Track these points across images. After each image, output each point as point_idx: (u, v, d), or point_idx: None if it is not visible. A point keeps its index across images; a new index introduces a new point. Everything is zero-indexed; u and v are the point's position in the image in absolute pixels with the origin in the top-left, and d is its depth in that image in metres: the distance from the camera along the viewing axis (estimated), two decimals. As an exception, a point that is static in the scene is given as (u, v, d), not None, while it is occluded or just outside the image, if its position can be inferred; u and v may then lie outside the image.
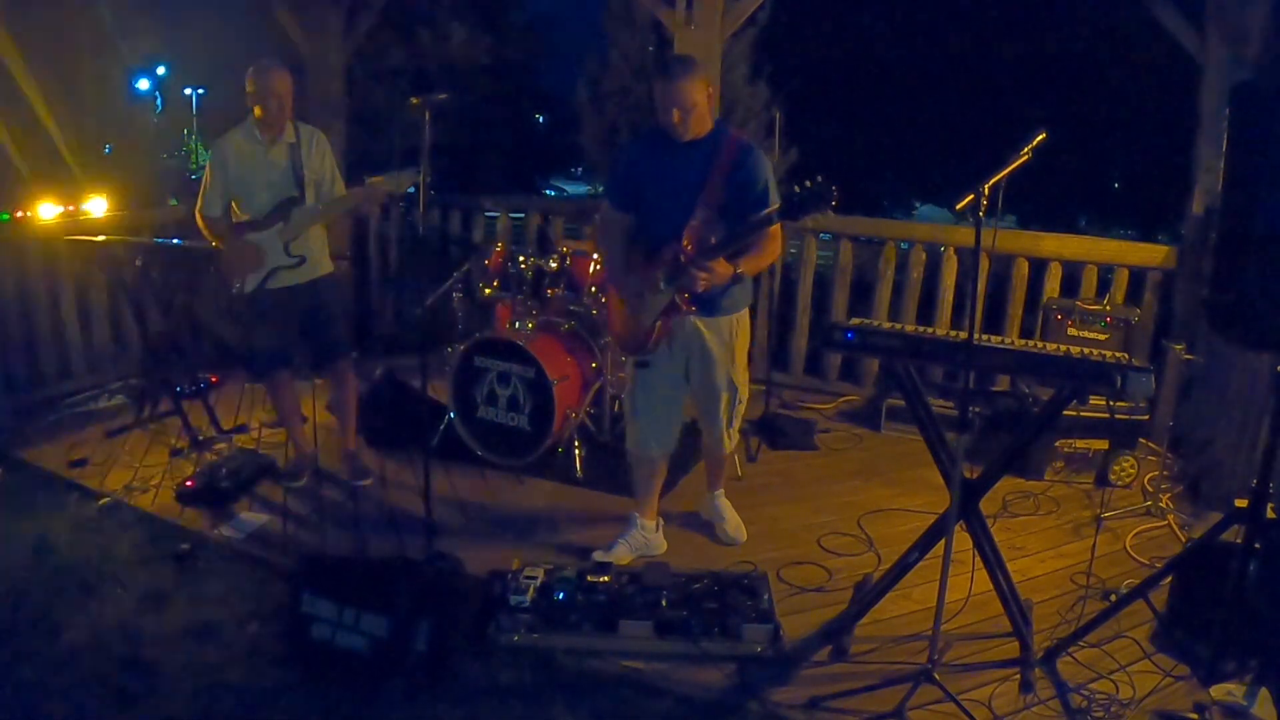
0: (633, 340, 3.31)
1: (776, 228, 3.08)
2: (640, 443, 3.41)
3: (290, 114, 3.73)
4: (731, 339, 3.30)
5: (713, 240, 3.08)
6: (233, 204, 3.80)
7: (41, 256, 4.90)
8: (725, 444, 3.50)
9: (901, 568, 2.91)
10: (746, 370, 3.40)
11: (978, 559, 2.89)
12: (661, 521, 3.57)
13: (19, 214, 4.89)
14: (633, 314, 3.28)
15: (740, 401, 3.40)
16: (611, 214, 3.39)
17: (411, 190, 3.65)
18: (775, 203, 3.00)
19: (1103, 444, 4.18)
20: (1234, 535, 2.62)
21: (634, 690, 2.70)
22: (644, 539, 3.48)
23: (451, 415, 4.28)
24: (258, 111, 3.65)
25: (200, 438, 4.39)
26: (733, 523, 3.67)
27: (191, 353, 4.96)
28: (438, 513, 3.46)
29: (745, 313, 3.37)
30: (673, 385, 3.36)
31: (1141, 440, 4.37)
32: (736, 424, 3.47)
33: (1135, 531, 3.75)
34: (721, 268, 3.02)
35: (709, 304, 3.20)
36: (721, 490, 3.74)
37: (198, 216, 3.82)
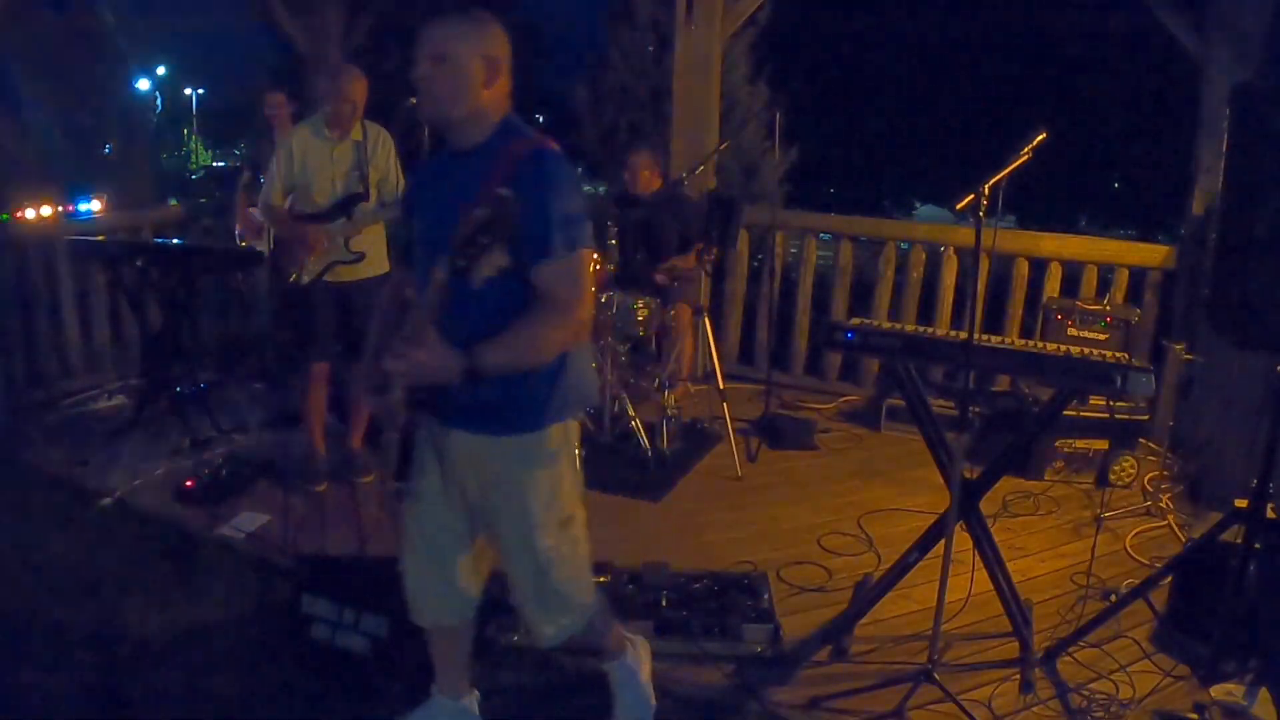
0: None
1: (567, 287, 1.97)
2: (410, 604, 2.31)
3: (360, 116, 3.79)
4: (528, 473, 2.08)
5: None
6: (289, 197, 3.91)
7: (41, 256, 4.90)
8: (539, 635, 2.25)
9: (901, 568, 2.91)
10: (569, 529, 2.16)
11: (978, 559, 2.89)
12: (477, 696, 2.52)
13: (19, 214, 4.90)
14: (374, 414, 2.33)
15: (561, 581, 2.16)
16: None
17: None
18: (576, 249, 1.97)
19: (1103, 444, 4.18)
20: (1234, 535, 2.62)
21: (634, 690, 2.69)
22: None
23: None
24: (329, 110, 3.72)
25: (200, 438, 4.39)
26: None
27: (191, 353, 4.96)
28: (438, 513, 3.45)
29: (560, 431, 2.12)
30: (441, 525, 2.21)
31: (1141, 440, 4.36)
32: (563, 619, 2.21)
33: (1135, 531, 3.75)
34: (435, 357, 1.88)
35: (473, 413, 2.05)
36: None
37: (259, 209, 3.99)
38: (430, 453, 2.16)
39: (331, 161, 3.78)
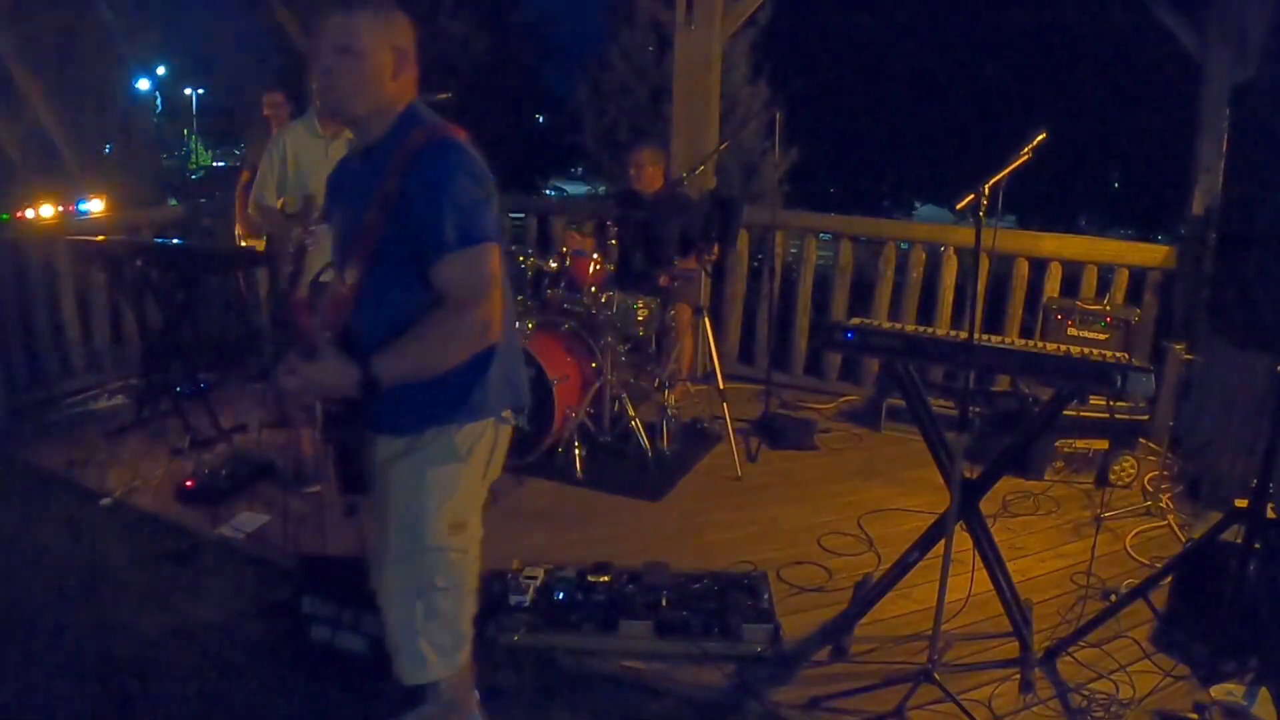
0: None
1: (466, 284, 1.84)
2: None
3: None
4: (427, 469, 1.98)
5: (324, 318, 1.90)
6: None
7: (41, 256, 4.90)
8: (408, 669, 2.10)
9: (901, 568, 2.91)
10: (460, 535, 2.04)
11: (978, 559, 2.89)
12: (477, 698, 2.42)
13: (19, 214, 4.90)
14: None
15: (444, 592, 2.04)
16: None
17: None
18: (474, 242, 1.84)
19: (1103, 444, 4.18)
20: (1234, 535, 2.62)
21: (634, 690, 2.70)
22: None
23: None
24: (321, 106, 3.69)
25: (200, 438, 4.39)
26: None
27: (191, 353, 4.96)
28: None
29: (472, 433, 1.99)
30: (380, 540, 2.12)
31: (1141, 440, 4.37)
32: (436, 655, 2.08)
33: (1135, 531, 3.75)
34: (329, 370, 1.81)
35: (384, 414, 1.94)
36: None
37: (250, 207, 3.92)
38: (372, 465, 2.05)
39: (327, 160, 3.74)
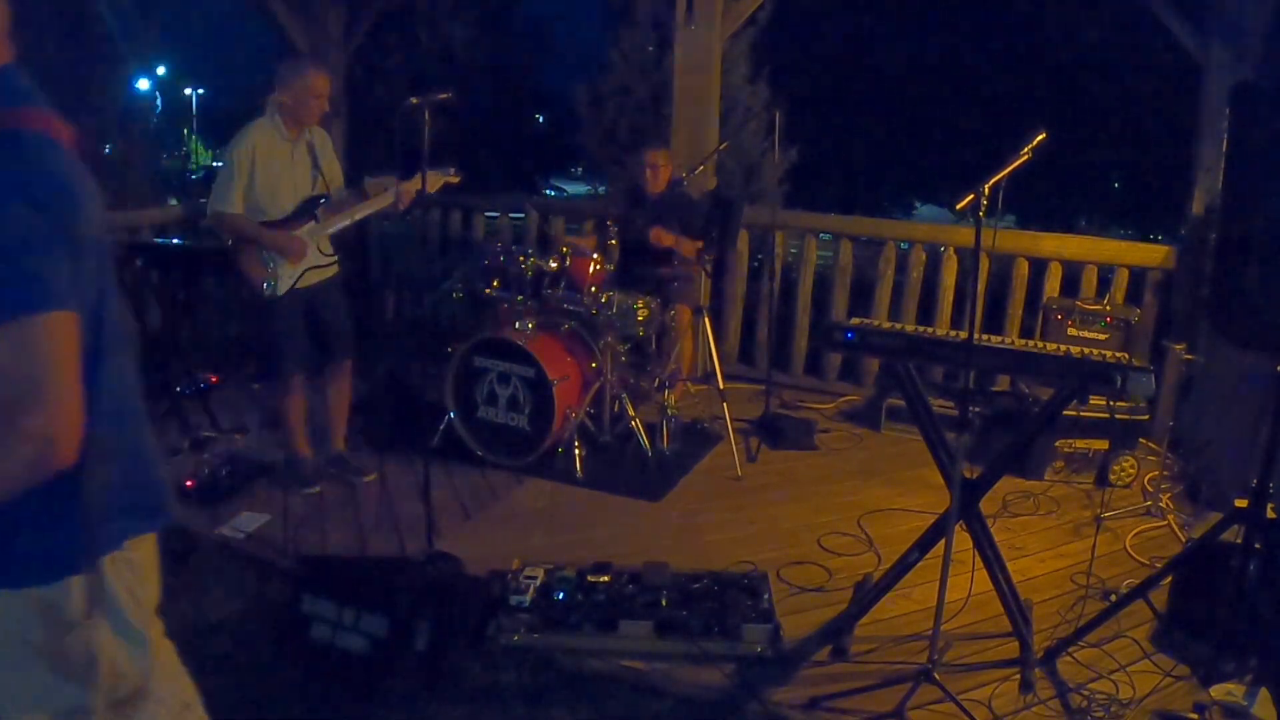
0: None
1: (8, 376, 1.18)
2: None
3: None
4: (45, 641, 1.34)
5: None
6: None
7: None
8: None
9: (901, 568, 2.91)
10: (134, 712, 1.51)
11: (978, 559, 2.89)
12: None
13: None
14: None
15: None
16: None
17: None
18: (27, 310, 1.19)
19: (1103, 444, 4.18)
20: (1234, 535, 2.62)
21: (634, 690, 2.70)
22: None
23: (451, 415, 4.29)
24: (292, 108, 3.56)
25: (200, 438, 4.39)
26: None
27: (191, 353, 4.96)
28: (438, 512, 3.45)
29: (85, 584, 1.36)
30: None
31: (1141, 440, 4.37)
32: None
33: (1135, 531, 3.75)
34: None
35: None
36: None
37: (219, 214, 3.60)
38: None
39: (293, 164, 3.67)
